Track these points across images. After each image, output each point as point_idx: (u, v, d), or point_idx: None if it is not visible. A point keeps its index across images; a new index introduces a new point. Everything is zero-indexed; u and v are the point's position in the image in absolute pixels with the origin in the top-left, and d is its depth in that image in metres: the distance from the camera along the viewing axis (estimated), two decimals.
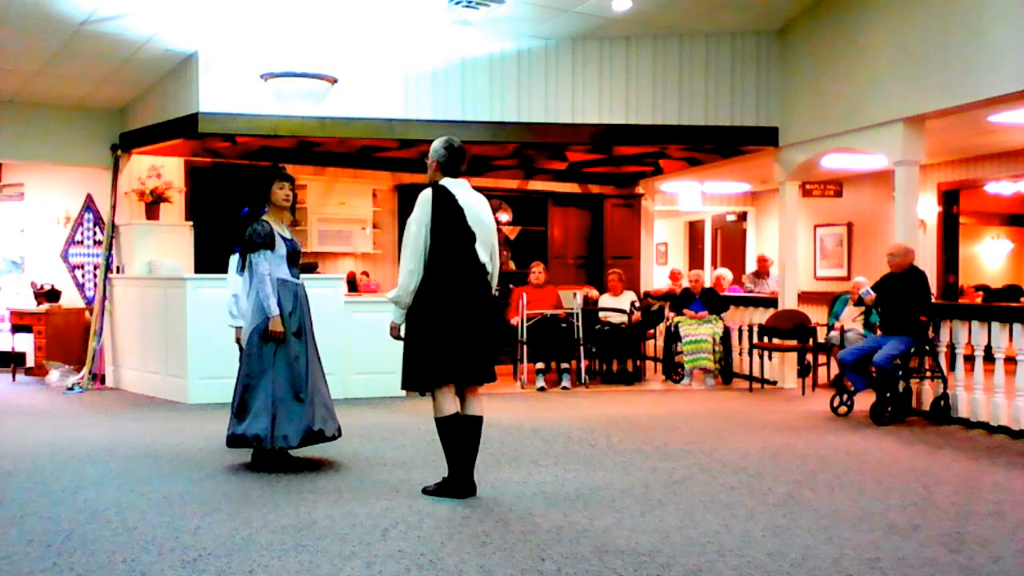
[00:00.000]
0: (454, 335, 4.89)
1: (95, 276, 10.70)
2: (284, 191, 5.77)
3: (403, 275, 4.92)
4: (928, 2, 7.91)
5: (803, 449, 6.50)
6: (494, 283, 5.14)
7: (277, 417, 5.59)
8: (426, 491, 5.08)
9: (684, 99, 9.73)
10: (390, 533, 4.32)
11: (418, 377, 4.97)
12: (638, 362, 10.75)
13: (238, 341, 6.18)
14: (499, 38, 9.18)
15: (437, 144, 5.07)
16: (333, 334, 8.55)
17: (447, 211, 4.89)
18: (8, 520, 4.54)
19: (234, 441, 5.69)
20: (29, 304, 11.07)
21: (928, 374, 7.91)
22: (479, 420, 5.05)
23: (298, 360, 5.69)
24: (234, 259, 6.20)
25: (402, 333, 5.04)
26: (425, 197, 4.92)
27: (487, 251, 5.02)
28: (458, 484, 4.99)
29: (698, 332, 10.20)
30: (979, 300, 12.73)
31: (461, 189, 4.99)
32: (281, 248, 5.71)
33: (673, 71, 9.70)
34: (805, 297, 11.12)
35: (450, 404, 4.97)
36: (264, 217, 5.75)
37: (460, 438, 4.99)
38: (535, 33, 9.17)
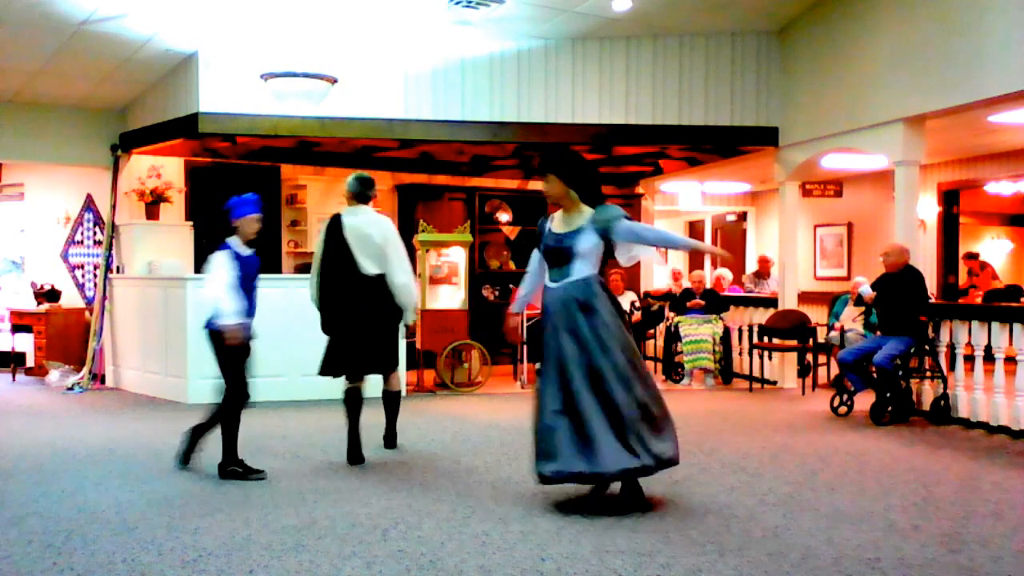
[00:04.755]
0: (335, 335, 5.93)
1: (95, 276, 10.70)
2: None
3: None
4: (928, 2, 7.91)
5: (803, 449, 6.50)
6: (398, 280, 5.89)
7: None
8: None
9: (684, 99, 9.71)
10: (390, 533, 4.32)
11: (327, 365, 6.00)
12: None
13: (240, 340, 6.17)
14: (499, 38, 9.18)
15: (349, 178, 6.13)
16: None
17: (333, 235, 5.94)
18: (8, 520, 4.54)
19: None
20: (29, 304, 11.07)
21: (928, 374, 7.91)
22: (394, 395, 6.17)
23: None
24: (219, 256, 6.21)
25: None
26: (323, 224, 6.10)
27: (374, 261, 5.87)
28: None
29: (698, 332, 10.19)
30: (979, 300, 12.72)
31: (351, 216, 5.97)
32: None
33: (673, 71, 9.69)
34: (805, 297, 11.11)
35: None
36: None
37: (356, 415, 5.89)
38: (535, 33, 9.17)
